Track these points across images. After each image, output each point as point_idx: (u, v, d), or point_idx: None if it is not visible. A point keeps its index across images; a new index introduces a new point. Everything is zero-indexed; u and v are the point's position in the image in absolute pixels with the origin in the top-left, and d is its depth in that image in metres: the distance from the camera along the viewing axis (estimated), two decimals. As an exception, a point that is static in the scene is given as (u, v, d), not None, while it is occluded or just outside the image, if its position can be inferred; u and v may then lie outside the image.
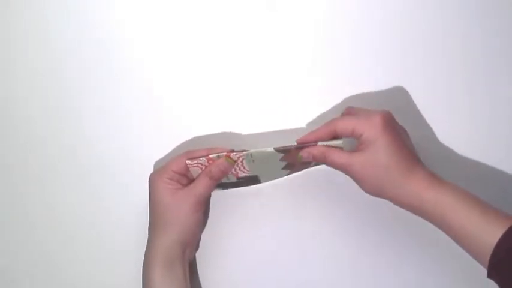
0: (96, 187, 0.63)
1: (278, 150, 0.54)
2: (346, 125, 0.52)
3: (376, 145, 0.50)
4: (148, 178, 0.56)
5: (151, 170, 0.58)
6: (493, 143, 0.59)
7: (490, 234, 0.46)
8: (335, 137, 0.53)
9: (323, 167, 0.56)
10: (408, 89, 0.59)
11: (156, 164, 0.62)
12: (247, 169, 0.56)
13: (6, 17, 0.63)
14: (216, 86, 0.61)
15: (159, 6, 0.61)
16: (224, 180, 0.57)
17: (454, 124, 0.59)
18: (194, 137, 0.61)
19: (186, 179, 0.56)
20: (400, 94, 0.60)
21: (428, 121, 0.59)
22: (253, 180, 0.58)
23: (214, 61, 0.61)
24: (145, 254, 0.55)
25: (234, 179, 0.57)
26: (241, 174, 0.57)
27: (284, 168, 0.57)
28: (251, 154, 0.54)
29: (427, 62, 0.59)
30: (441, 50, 0.59)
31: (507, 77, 0.58)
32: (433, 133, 0.59)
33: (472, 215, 0.48)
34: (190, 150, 0.56)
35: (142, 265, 0.55)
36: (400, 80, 0.60)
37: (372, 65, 0.60)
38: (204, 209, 0.56)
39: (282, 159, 0.55)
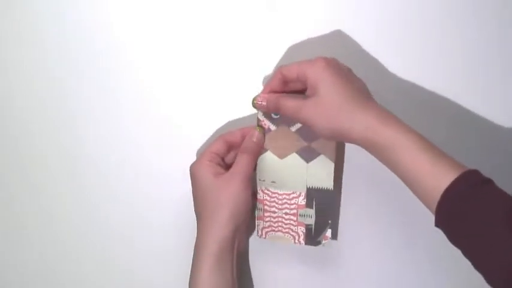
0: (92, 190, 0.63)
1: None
2: (290, 69, 0.53)
3: (323, 84, 0.51)
4: (189, 169, 0.57)
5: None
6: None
7: (441, 180, 0.45)
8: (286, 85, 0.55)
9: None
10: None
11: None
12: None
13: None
14: (215, 86, 0.62)
15: (159, 6, 0.61)
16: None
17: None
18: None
19: (225, 165, 0.57)
20: (399, 93, 0.60)
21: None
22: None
23: (214, 61, 0.61)
24: (194, 247, 0.55)
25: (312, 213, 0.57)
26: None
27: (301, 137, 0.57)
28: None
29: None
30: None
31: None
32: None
33: (424, 158, 0.46)
34: (224, 133, 0.58)
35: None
36: (400, 80, 0.60)
37: (371, 64, 0.60)
38: (251, 188, 0.57)
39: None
